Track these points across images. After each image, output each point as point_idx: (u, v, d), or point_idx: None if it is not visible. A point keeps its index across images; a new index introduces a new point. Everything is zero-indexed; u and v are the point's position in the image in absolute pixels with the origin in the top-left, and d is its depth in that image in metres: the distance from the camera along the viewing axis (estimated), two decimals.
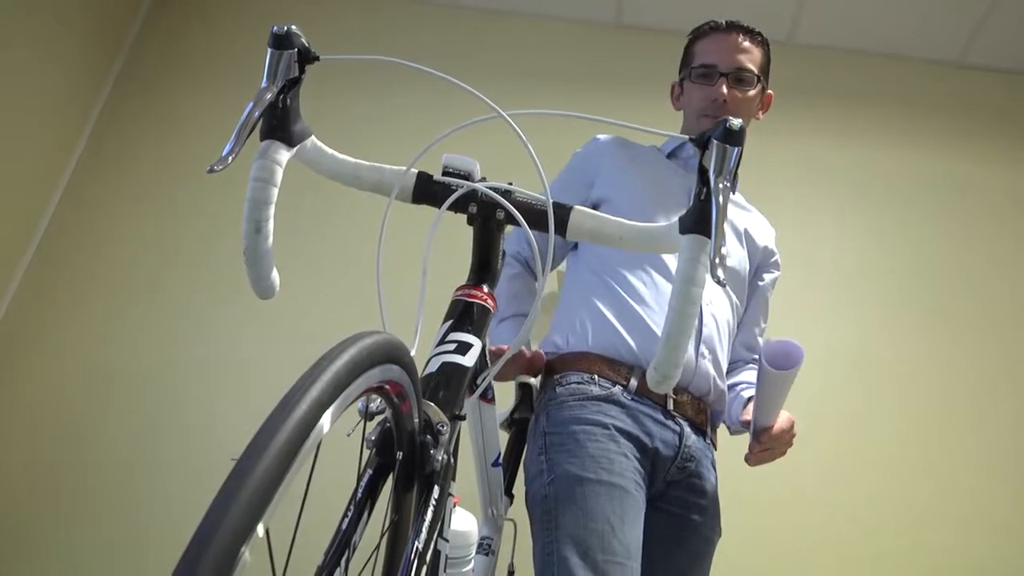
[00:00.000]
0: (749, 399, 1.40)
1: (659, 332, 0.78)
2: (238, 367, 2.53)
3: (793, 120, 2.89)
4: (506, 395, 1.42)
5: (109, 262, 2.71)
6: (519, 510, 1.52)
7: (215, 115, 2.89)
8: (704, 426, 1.37)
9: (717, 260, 0.69)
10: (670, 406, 1.30)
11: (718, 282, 0.68)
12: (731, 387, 1.47)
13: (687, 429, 1.31)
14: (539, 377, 1.40)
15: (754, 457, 1.32)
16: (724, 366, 1.42)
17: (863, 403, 2.48)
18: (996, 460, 2.41)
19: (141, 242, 2.74)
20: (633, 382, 1.28)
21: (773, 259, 1.59)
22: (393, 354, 0.58)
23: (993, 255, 2.72)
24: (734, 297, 1.47)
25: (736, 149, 0.74)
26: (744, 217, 1.56)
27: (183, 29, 3.14)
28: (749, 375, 1.49)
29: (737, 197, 1.60)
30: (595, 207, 1.39)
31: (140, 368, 2.54)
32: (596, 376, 1.28)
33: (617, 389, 1.26)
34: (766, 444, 1.30)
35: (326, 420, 0.48)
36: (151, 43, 3.11)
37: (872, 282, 2.67)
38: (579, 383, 1.27)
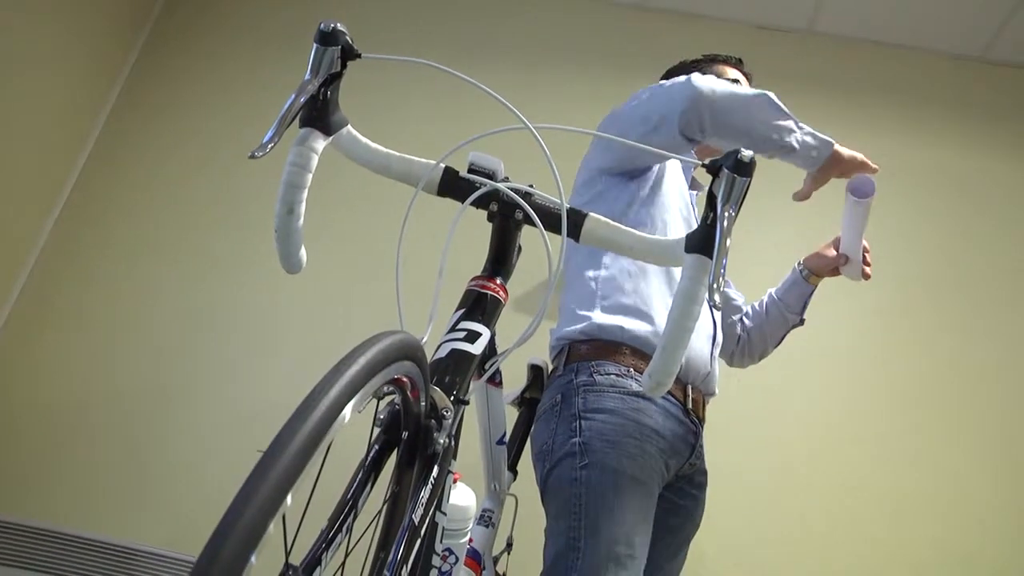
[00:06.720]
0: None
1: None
2: (263, 331, 2.61)
3: (810, 110, 2.89)
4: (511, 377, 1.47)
5: (122, 243, 2.75)
6: (520, 486, 1.60)
7: (232, 96, 2.79)
8: (704, 422, 1.43)
9: (716, 285, 0.73)
10: (689, 405, 1.34)
11: (713, 306, 0.72)
12: (757, 305, 1.74)
13: (700, 428, 1.37)
14: (555, 359, 1.42)
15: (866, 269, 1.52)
16: None
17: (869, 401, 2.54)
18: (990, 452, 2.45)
19: (160, 209, 2.78)
20: None
21: None
22: (407, 352, 0.64)
23: (1007, 250, 2.75)
24: None
25: (745, 180, 0.78)
26: None
27: (204, 8, 3.15)
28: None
29: None
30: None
31: (156, 341, 2.60)
32: (631, 370, 1.29)
33: None
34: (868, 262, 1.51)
35: (347, 412, 0.54)
36: (171, 22, 3.12)
37: (882, 279, 2.69)
38: (618, 375, 1.28)
